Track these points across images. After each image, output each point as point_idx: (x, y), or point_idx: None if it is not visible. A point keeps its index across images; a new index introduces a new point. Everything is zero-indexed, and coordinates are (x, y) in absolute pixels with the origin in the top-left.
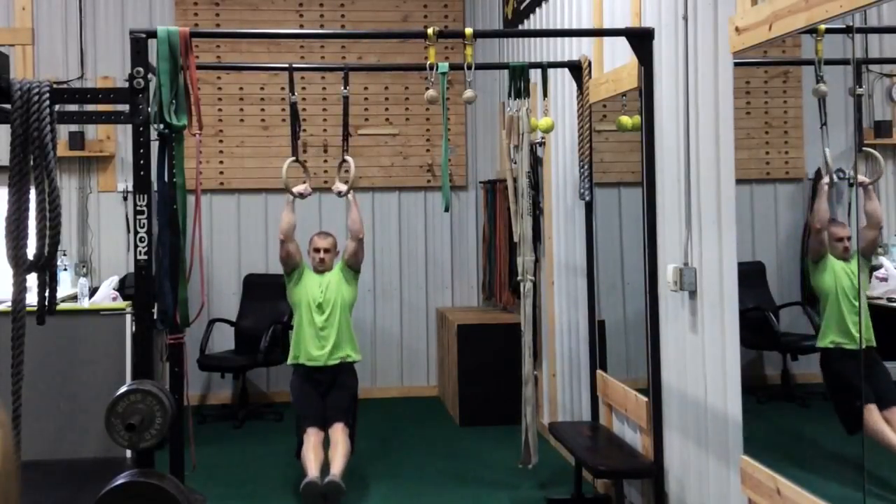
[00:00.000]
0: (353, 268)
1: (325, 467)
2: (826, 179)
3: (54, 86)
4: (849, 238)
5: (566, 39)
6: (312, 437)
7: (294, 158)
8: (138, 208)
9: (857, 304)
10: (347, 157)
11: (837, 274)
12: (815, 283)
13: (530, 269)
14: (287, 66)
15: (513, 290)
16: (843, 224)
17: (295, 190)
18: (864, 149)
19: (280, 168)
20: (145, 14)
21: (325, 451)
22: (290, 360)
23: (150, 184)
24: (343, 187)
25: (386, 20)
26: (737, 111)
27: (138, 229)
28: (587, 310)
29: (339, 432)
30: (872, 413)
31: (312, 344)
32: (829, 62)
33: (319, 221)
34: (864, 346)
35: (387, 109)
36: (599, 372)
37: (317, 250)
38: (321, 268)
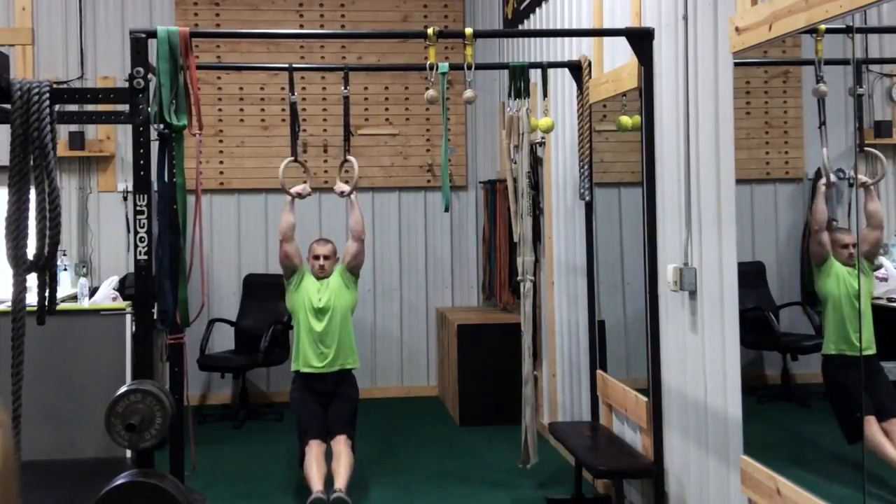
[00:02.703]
0: (352, 272)
1: (329, 483)
2: (823, 180)
3: (54, 86)
4: (854, 245)
5: (566, 39)
6: (315, 448)
7: (293, 159)
8: (138, 208)
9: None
10: (350, 158)
11: (842, 279)
12: (819, 287)
13: (530, 269)
14: (287, 66)
15: (513, 290)
16: (847, 230)
17: (293, 190)
18: (866, 149)
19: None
20: (145, 14)
21: (328, 464)
22: (292, 367)
23: (150, 184)
24: (346, 187)
25: (386, 20)
26: (737, 111)
27: (138, 229)
28: (587, 310)
29: (341, 444)
30: (871, 425)
31: (312, 352)
32: (829, 62)
33: (319, 221)
34: (863, 354)
35: (387, 109)
36: (599, 372)
37: (316, 257)
38: (321, 275)
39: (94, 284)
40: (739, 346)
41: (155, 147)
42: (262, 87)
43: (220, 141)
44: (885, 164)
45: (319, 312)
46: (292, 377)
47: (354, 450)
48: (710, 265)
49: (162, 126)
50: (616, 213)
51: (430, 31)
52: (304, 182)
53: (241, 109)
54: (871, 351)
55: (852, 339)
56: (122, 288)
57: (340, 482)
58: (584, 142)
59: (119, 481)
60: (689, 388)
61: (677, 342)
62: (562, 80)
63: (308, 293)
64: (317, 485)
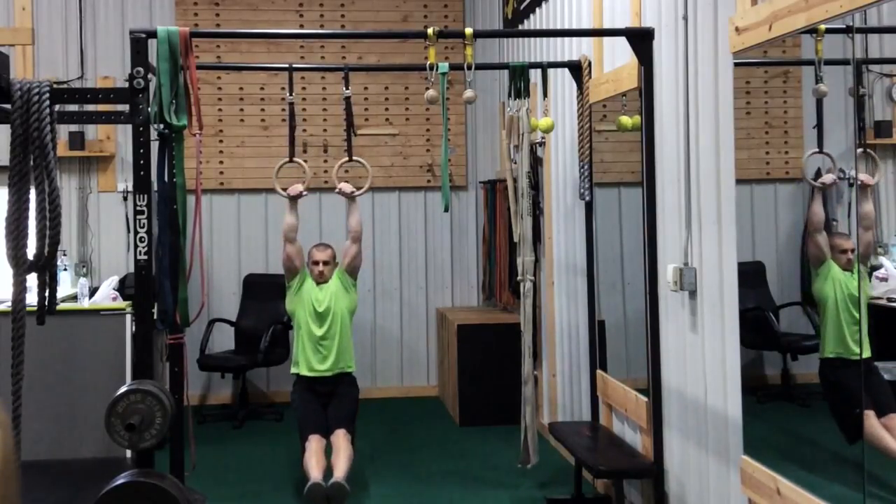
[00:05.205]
0: (351, 274)
1: (329, 476)
2: (825, 180)
3: (54, 86)
4: (853, 250)
5: (566, 39)
6: (314, 443)
7: (288, 160)
8: (138, 208)
9: (857, 314)
10: (362, 160)
11: (839, 283)
12: (816, 289)
13: (530, 269)
14: (287, 66)
15: (513, 290)
16: (846, 235)
17: (289, 191)
18: (866, 150)
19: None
20: (145, 14)
21: (328, 459)
22: (292, 370)
23: (150, 184)
24: (352, 188)
25: (386, 20)
26: (737, 111)
27: (138, 229)
28: (587, 310)
29: (340, 438)
30: (871, 420)
31: (313, 355)
32: (829, 62)
33: (320, 221)
34: (862, 357)
35: (387, 109)
36: (599, 372)
37: (315, 263)
38: (320, 280)
39: (94, 284)
40: (739, 346)
41: (155, 147)
42: (262, 87)
43: (220, 141)
44: (881, 165)
45: (320, 317)
46: (293, 380)
47: (354, 447)
48: (710, 265)
49: (162, 126)
50: (616, 213)
51: (430, 31)
52: (300, 182)
53: (241, 109)
54: (867, 353)
55: (849, 342)
56: (122, 288)
57: (339, 473)
58: (584, 142)
59: (119, 481)
60: (689, 388)
61: (677, 342)
62: (562, 80)
63: (309, 297)
64: (316, 474)
